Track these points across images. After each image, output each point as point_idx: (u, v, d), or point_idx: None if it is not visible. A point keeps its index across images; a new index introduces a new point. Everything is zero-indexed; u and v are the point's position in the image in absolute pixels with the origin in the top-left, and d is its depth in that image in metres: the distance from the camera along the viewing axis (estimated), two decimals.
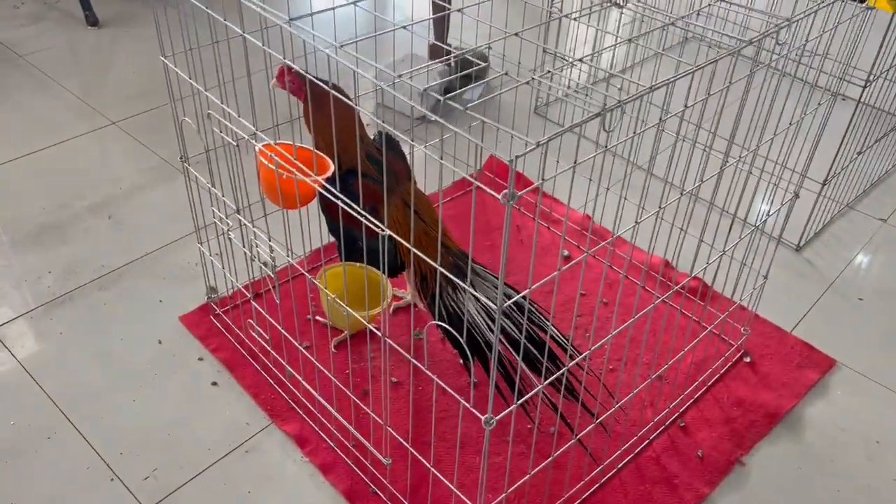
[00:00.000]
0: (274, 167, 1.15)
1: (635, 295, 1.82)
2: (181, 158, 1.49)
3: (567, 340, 1.43)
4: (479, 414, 1.04)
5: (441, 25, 2.56)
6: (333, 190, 1.12)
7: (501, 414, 1.03)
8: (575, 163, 0.92)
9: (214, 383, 1.59)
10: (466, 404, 1.05)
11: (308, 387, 1.47)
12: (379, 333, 1.20)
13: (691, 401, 1.59)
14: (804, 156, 1.62)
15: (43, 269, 1.83)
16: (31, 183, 2.11)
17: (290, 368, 1.51)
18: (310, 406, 1.51)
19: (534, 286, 1.00)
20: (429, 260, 1.09)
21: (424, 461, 1.33)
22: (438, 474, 1.27)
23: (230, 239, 1.59)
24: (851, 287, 1.91)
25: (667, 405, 1.56)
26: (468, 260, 1.52)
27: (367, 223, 1.04)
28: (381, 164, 1.51)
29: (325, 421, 1.48)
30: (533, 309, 1.47)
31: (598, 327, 1.74)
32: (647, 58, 2.73)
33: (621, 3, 1.32)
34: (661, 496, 1.41)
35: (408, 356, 1.19)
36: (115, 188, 2.10)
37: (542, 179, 0.93)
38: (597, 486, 1.42)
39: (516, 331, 1.42)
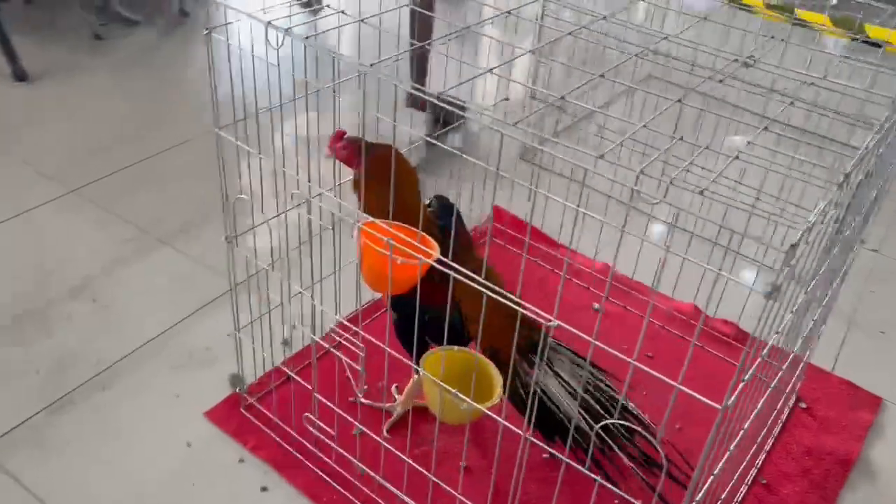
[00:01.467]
0: (387, 252, 1.01)
1: (674, 345, 1.79)
2: (226, 239, 1.31)
3: (644, 417, 1.38)
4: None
5: (421, 72, 2.47)
6: (455, 265, 1.00)
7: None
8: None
9: (264, 488, 1.40)
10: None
11: (386, 484, 1.33)
12: (501, 421, 1.08)
13: (763, 454, 1.56)
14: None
15: (29, 368, 1.59)
16: None
17: (360, 465, 1.35)
18: (381, 502, 1.36)
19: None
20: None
21: None
22: None
23: (268, 315, 1.43)
24: (870, 321, 1.95)
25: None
26: (541, 332, 1.43)
27: (532, 313, 0.92)
28: (442, 231, 1.40)
29: None
30: (610, 385, 1.40)
31: (650, 383, 1.68)
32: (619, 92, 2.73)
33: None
34: None
35: (523, 435, 1.07)
36: (93, 266, 1.87)
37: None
38: None
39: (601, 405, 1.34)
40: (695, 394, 0.84)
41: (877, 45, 1.77)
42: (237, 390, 1.55)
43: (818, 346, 1.83)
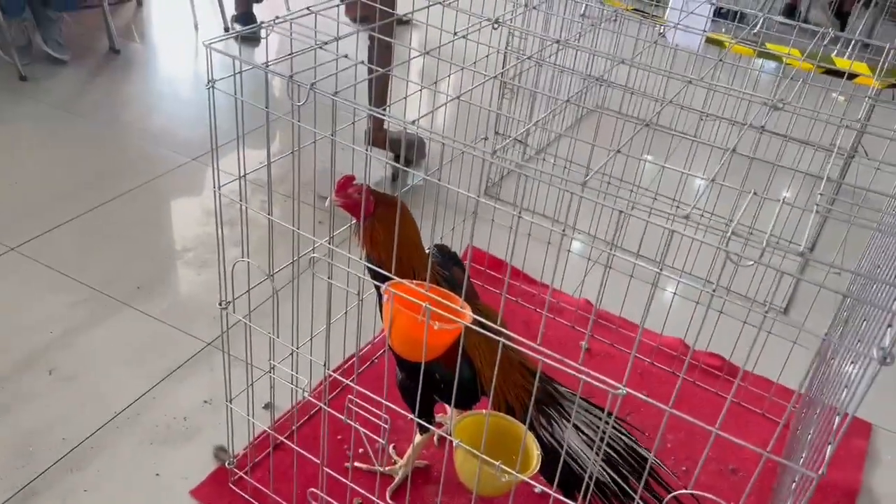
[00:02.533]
0: (425, 317, 0.94)
1: (664, 383, 1.76)
2: (221, 304, 1.20)
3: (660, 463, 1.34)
4: None
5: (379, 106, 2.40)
6: (491, 325, 0.94)
7: None
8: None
9: None
10: None
11: None
12: (553, 493, 1.01)
13: (772, 491, 1.54)
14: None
15: None
16: None
17: None
18: None
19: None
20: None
21: None
22: None
23: (273, 379, 1.32)
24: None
25: (752, 500, 1.49)
26: (551, 382, 1.37)
27: (597, 380, 0.86)
28: (448, 281, 1.33)
29: None
30: (631, 437, 1.35)
31: (651, 424, 1.65)
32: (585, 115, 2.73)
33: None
34: None
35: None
36: (45, 334, 1.70)
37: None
38: None
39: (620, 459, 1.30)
40: (747, 444, 0.79)
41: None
42: (225, 464, 1.42)
43: (796, 372, 1.84)
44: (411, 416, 1.19)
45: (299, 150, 1.08)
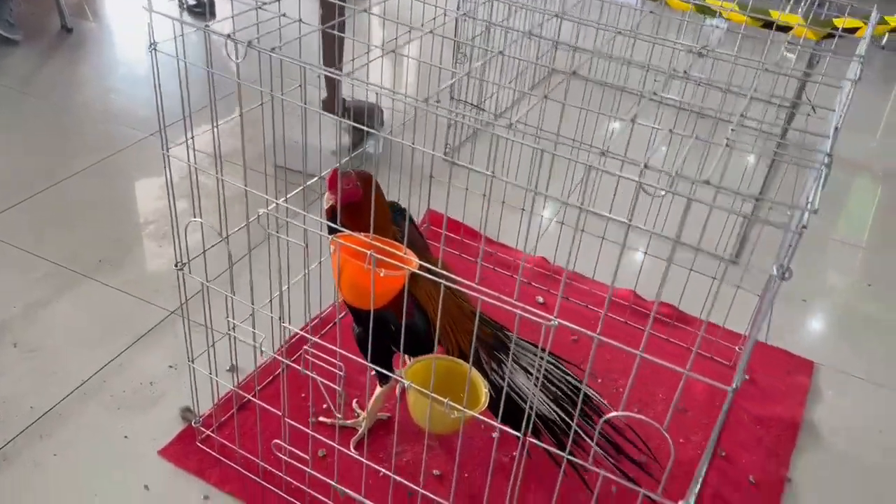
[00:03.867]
0: (371, 266, 0.98)
1: (617, 331, 1.83)
2: (177, 266, 1.24)
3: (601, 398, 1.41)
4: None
5: (332, 79, 2.42)
6: (440, 269, 0.98)
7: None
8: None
9: None
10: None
11: (363, 499, 1.29)
12: (497, 424, 1.07)
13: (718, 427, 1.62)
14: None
15: None
16: None
17: (340, 487, 1.30)
18: None
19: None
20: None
21: None
22: None
23: (236, 339, 1.36)
24: (792, 293, 2.06)
25: (699, 436, 1.57)
26: (503, 329, 1.43)
27: (530, 314, 0.92)
28: (398, 239, 1.38)
29: None
30: (571, 373, 1.42)
31: (604, 369, 1.72)
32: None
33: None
34: None
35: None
36: (8, 308, 1.72)
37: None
38: None
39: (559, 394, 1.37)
40: (705, 378, 0.85)
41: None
42: (192, 423, 1.47)
43: (745, 318, 1.92)
44: (372, 365, 1.24)
45: (242, 109, 1.11)
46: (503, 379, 1.37)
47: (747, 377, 1.76)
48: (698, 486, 0.91)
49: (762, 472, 1.53)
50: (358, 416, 1.53)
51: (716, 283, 1.72)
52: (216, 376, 1.40)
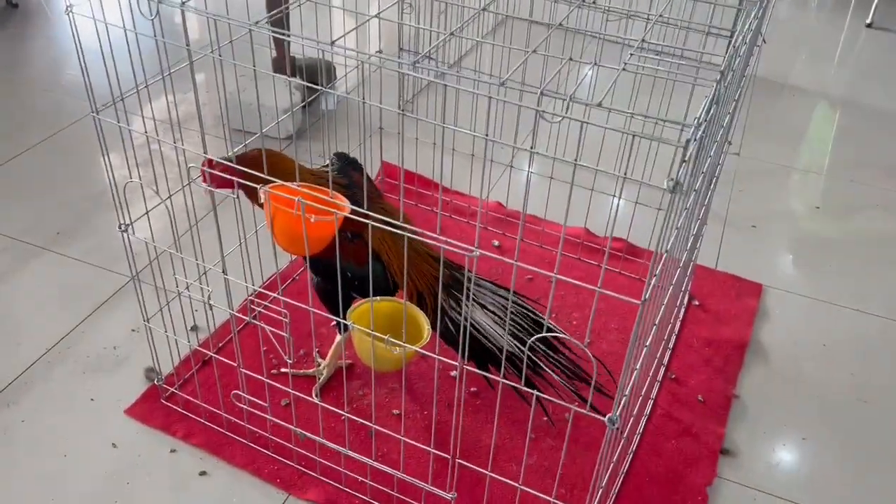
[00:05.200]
0: (301, 212, 1.01)
1: (572, 268, 1.88)
2: (120, 227, 1.26)
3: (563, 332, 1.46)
4: (602, 416, 1.01)
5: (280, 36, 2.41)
6: (371, 213, 1.02)
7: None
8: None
9: (203, 472, 1.39)
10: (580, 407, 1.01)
11: (328, 443, 1.34)
12: (436, 357, 1.12)
13: (669, 352, 1.68)
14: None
15: None
16: None
17: (299, 430, 1.35)
18: (328, 465, 1.37)
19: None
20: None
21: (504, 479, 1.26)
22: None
23: (178, 300, 1.39)
24: (741, 218, 2.11)
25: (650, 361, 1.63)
26: (460, 269, 1.47)
27: (453, 247, 0.96)
28: (347, 188, 1.40)
29: (355, 476, 1.36)
30: (530, 307, 1.46)
31: (558, 305, 1.77)
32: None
33: None
34: (689, 447, 1.48)
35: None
36: None
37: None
38: (631, 454, 1.46)
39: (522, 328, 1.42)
40: (615, 294, 0.90)
41: None
42: (155, 382, 1.51)
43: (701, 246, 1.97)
44: (330, 315, 1.28)
45: (170, 71, 1.13)
46: (459, 315, 1.42)
47: (697, 303, 1.82)
48: (622, 402, 0.96)
49: (710, 391, 1.60)
50: (318, 364, 1.57)
51: (654, 211, 1.78)
52: (175, 335, 1.44)
